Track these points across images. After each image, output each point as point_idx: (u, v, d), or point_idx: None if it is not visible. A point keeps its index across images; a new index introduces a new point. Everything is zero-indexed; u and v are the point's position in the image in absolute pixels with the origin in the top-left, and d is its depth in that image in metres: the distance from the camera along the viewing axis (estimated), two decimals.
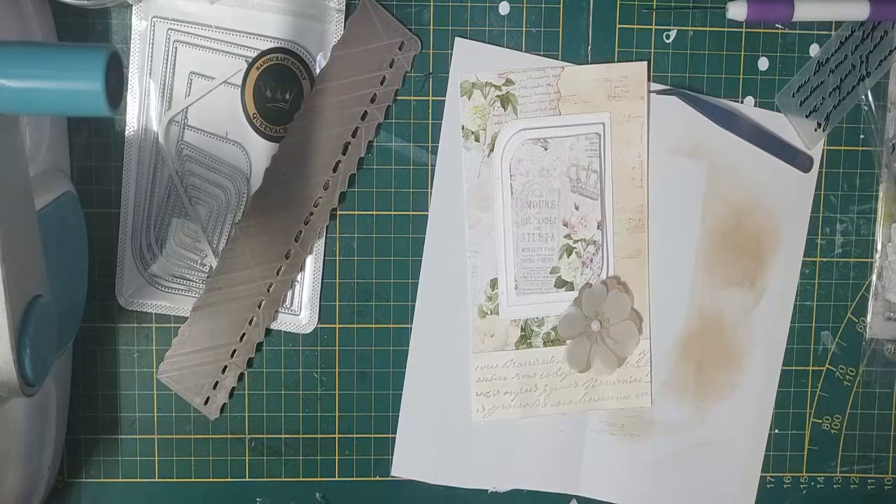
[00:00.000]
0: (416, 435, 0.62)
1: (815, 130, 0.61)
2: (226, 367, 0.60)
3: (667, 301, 0.62)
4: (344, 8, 0.58)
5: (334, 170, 0.59)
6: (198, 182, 0.59)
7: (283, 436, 0.62)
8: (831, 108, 0.61)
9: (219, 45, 0.58)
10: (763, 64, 0.61)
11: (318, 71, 0.58)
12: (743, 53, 0.61)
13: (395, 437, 0.62)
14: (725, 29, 0.60)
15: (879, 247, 0.63)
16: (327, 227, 0.60)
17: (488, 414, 0.62)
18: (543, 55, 0.60)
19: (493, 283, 0.61)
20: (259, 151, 0.59)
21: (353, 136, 0.59)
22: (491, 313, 0.61)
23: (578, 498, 0.63)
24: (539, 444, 0.62)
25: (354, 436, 0.62)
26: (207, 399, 0.60)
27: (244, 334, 0.60)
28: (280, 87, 0.58)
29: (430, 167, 0.60)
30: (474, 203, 0.60)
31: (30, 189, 0.43)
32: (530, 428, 0.62)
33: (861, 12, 0.59)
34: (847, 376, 0.64)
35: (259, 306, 0.60)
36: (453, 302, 0.61)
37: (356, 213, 0.60)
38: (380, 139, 0.60)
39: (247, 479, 0.62)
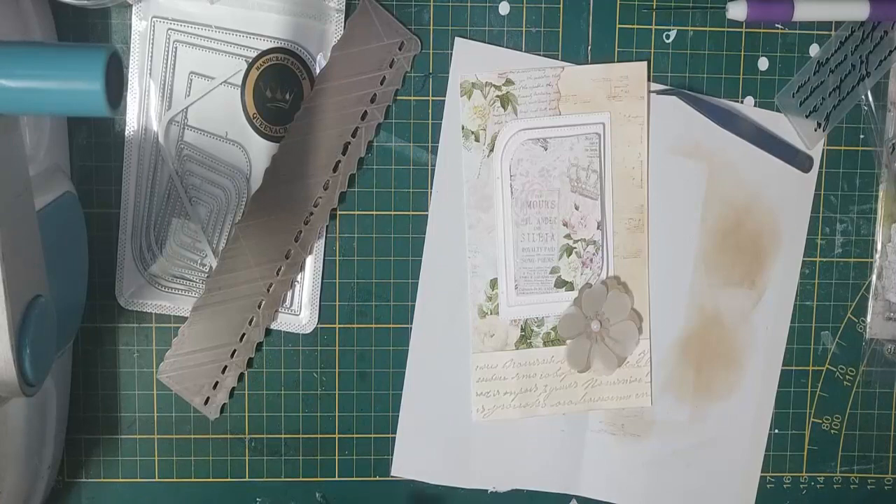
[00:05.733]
0: (416, 435, 0.62)
1: (815, 130, 0.61)
2: (226, 367, 0.60)
3: (667, 301, 0.62)
4: (344, 8, 0.58)
5: (334, 170, 0.59)
6: (198, 182, 0.59)
7: (283, 436, 0.62)
8: (831, 108, 0.61)
9: (219, 45, 0.58)
10: (763, 64, 0.61)
11: (318, 71, 0.58)
12: (743, 53, 0.61)
13: (395, 437, 0.62)
14: (725, 29, 0.60)
15: (879, 247, 0.63)
16: (327, 227, 0.60)
17: (488, 414, 0.62)
18: (543, 55, 0.60)
19: (493, 283, 0.61)
20: (259, 151, 0.59)
21: (353, 136, 0.59)
22: (491, 313, 0.61)
23: (578, 498, 0.63)
24: (539, 444, 0.62)
25: (354, 436, 0.62)
26: (207, 399, 0.60)
27: (244, 334, 0.60)
28: (280, 87, 0.58)
29: (430, 167, 0.60)
30: (474, 203, 0.60)
31: (30, 189, 0.43)
32: (530, 428, 0.62)
33: (861, 12, 0.59)
34: (847, 376, 0.64)
35: (259, 306, 0.60)
36: (453, 302, 0.61)
37: (356, 213, 0.60)
38: (380, 139, 0.60)
39: (247, 479, 0.62)
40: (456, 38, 0.59)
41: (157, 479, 0.62)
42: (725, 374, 0.63)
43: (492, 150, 0.60)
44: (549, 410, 0.62)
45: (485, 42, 0.59)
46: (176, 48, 0.58)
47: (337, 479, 0.62)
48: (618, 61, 0.60)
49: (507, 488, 0.63)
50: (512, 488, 0.63)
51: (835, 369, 0.64)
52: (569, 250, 0.61)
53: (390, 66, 0.59)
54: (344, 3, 0.58)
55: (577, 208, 0.60)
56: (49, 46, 0.40)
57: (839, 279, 0.63)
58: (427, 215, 0.60)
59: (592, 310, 0.61)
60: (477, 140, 0.60)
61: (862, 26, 0.61)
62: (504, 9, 0.59)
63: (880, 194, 0.62)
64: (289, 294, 0.60)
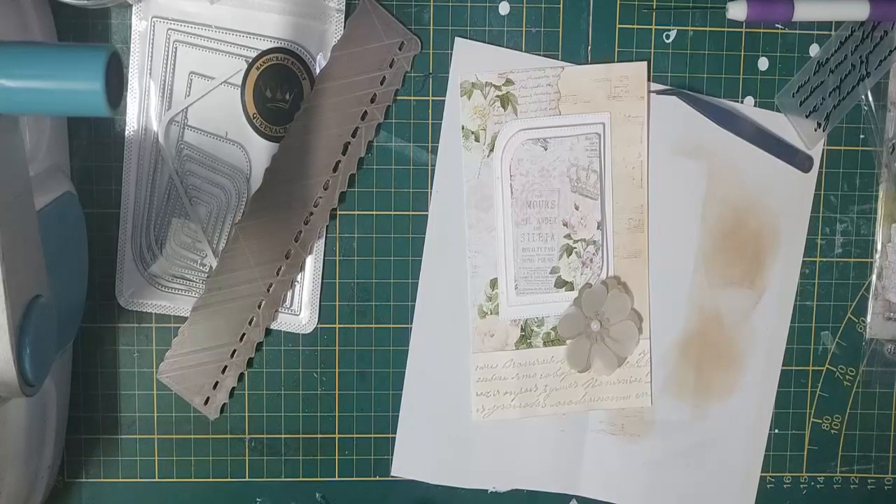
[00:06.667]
0: (416, 435, 0.62)
1: (815, 130, 0.61)
2: (226, 367, 0.60)
3: (667, 301, 0.62)
4: (344, 8, 0.58)
5: (334, 170, 0.59)
6: (198, 182, 0.59)
7: (283, 436, 0.62)
8: (831, 108, 0.61)
9: (219, 45, 0.58)
10: (763, 64, 0.61)
11: (318, 71, 0.58)
12: (743, 53, 0.61)
13: (395, 437, 0.62)
14: (725, 29, 0.60)
15: (879, 247, 0.63)
16: (327, 227, 0.60)
17: (488, 414, 0.62)
18: (543, 55, 0.60)
19: (493, 283, 0.61)
20: (259, 151, 0.59)
21: (353, 136, 0.59)
22: (491, 313, 0.61)
23: (578, 498, 0.63)
24: (539, 444, 0.62)
25: (354, 436, 0.62)
26: (207, 399, 0.60)
27: (244, 334, 0.60)
28: (280, 87, 0.58)
29: (430, 167, 0.60)
30: (474, 203, 0.60)
31: (30, 189, 0.43)
32: (530, 428, 0.62)
33: (861, 12, 0.59)
34: (847, 376, 0.64)
35: (259, 306, 0.60)
36: (453, 302, 0.61)
37: (356, 213, 0.60)
38: (380, 139, 0.60)
39: (247, 479, 0.62)
40: (456, 38, 0.59)
41: (157, 479, 0.62)
42: (725, 374, 0.63)
43: (492, 150, 0.60)
44: (549, 410, 0.62)
45: (485, 42, 0.59)
46: (176, 48, 0.58)
47: (337, 479, 0.62)
48: (618, 61, 0.60)
49: (507, 488, 0.63)
50: (512, 488, 0.63)
51: (835, 369, 0.64)
52: (569, 250, 0.61)
53: (390, 66, 0.59)
54: (344, 3, 0.58)
55: (577, 208, 0.60)
56: (49, 46, 0.40)
57: (839, 279, 0.63)
58: (427, 215, 0.60)
59: (592, 310, 0.61)
60: (477, 140, 0.60)
61: (862, 26, 0.61)
62: (504, 9, 0.59)
63: (880, 194, 0.62)
64: (289, 294, 0.60)
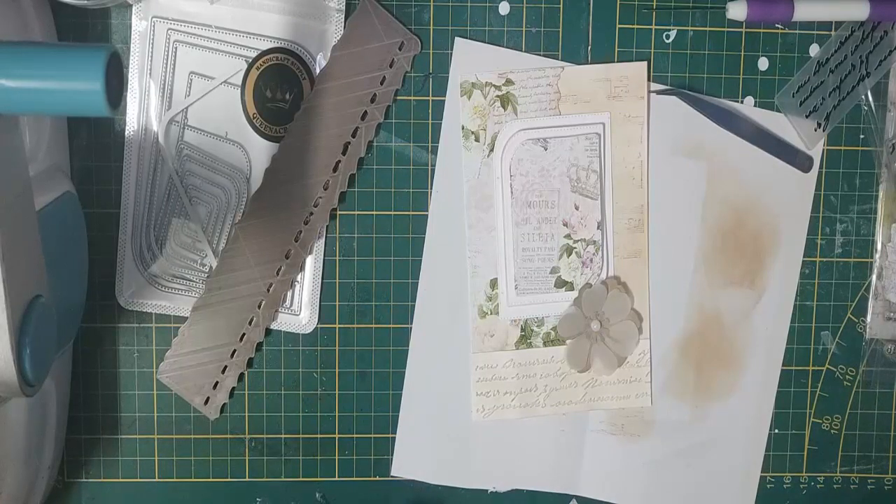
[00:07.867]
0: (416, 435, 0.62)
1: (815, 130, 0.61)
2: (226, 367, 0.60)
3: (667, 301, 0.62)
4: (344, 8, 0.58)
5: (334, 170, 0.59)
6: (198, 182, 0.59)
7: (283, 436, 0.62)
8: (831, 108, 0.61)
9: (219, 45, 0.58)
10: (763, 64, 0.61)
11: (318, 71, 0.58)
12: (743, 53, 0.61)
13: (395, 437, 0.62)
14: (725, 29, 0.60)
15: (879, 247, 0.63)
16: (327, 227, 0.60)
17: (488, 414, 0.62)
18: (543, 55, 0.60)
19: (493, 283, 0.61)
20: (259, 151, 0.59)
21: (353, 136, 0.59)
22: (491, 313, 0.61)
23: (578, 498, 0.63)
24: (539, 444, 0.62)
25: (354, 436, 0.62)
26: (207, 399, 0.60)
27: (244, 334, 0.60)
28: (280, 87, 0.58)
29: (430, 167, 0.60)
30: (474, 203, 0.60)
31: (30, 189, 0.43)
32: (530, 428, 0.62)
33: (861, 12, 0.59)
34: (847, 376, 0.64)
35: (259, 306, 0.60)
36: (453, 302, 0.61)
37: (356, 213, 0.60)
38: (380, 139, 0.60)
39: (247, 479, 0.62)
40: (456, 38, 0.59)
41: (157, 479, 0.62)
42: (725, 374, 0.63)
43: (492, 150, 0.60)
44: (549, 410, 0.62)
45: (485, 42, 0.59)
46: (176, 48, 0.58)
47: (337, 479, 0.62)
48: (618, 61, 0.60)
49: (507, 488, 0.63)
50: (512, 488, 0.63)
51: (835, 369, 0.64)
52: (569, 250, 0.61)
53: (390, 66, 0.59)
54: (344, 3, 0.58)
55: (577, 208, 0.60)
56: (49, 46, 0.40)
57: (839, 279, 0.63)
58: (427, 215, 0.60)
59: (592, 310, 0.61)
60: (477, 140, 0.60)
61: (862, 26, 0.61)
62: (504, 9, 0.59)
63: (880, 194, 0.62)
64: (289, 294, 0.60)
